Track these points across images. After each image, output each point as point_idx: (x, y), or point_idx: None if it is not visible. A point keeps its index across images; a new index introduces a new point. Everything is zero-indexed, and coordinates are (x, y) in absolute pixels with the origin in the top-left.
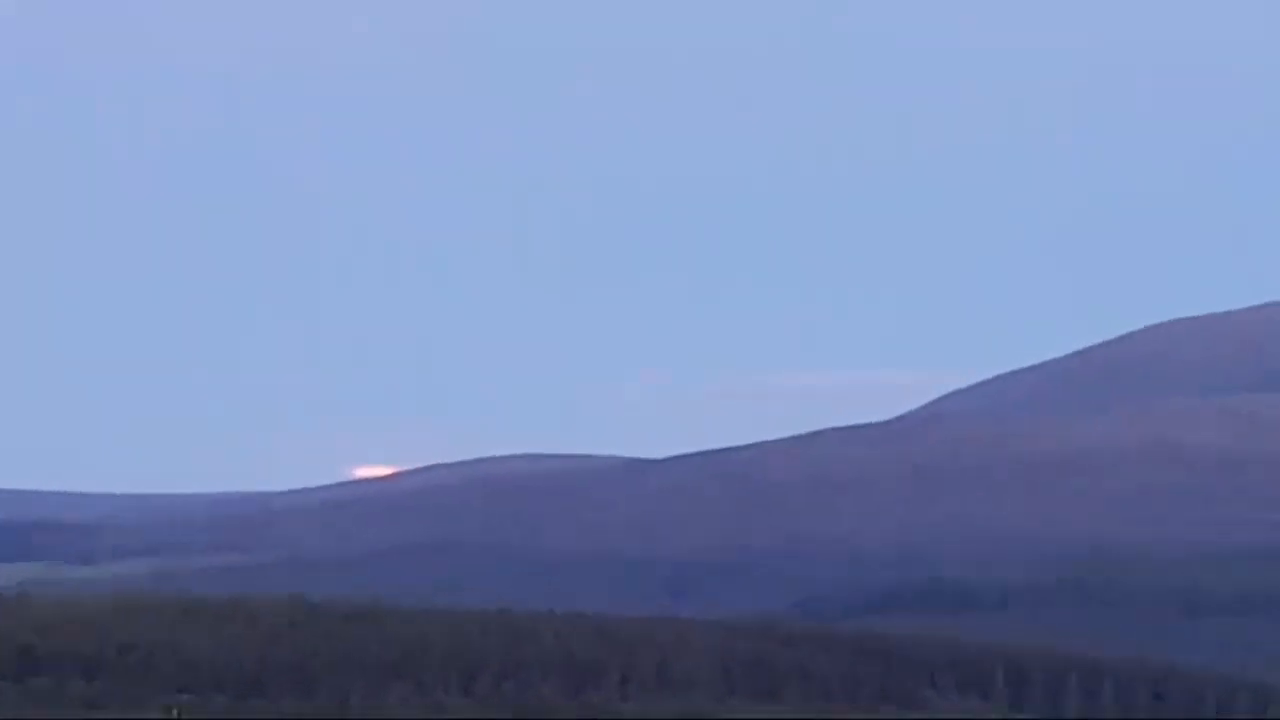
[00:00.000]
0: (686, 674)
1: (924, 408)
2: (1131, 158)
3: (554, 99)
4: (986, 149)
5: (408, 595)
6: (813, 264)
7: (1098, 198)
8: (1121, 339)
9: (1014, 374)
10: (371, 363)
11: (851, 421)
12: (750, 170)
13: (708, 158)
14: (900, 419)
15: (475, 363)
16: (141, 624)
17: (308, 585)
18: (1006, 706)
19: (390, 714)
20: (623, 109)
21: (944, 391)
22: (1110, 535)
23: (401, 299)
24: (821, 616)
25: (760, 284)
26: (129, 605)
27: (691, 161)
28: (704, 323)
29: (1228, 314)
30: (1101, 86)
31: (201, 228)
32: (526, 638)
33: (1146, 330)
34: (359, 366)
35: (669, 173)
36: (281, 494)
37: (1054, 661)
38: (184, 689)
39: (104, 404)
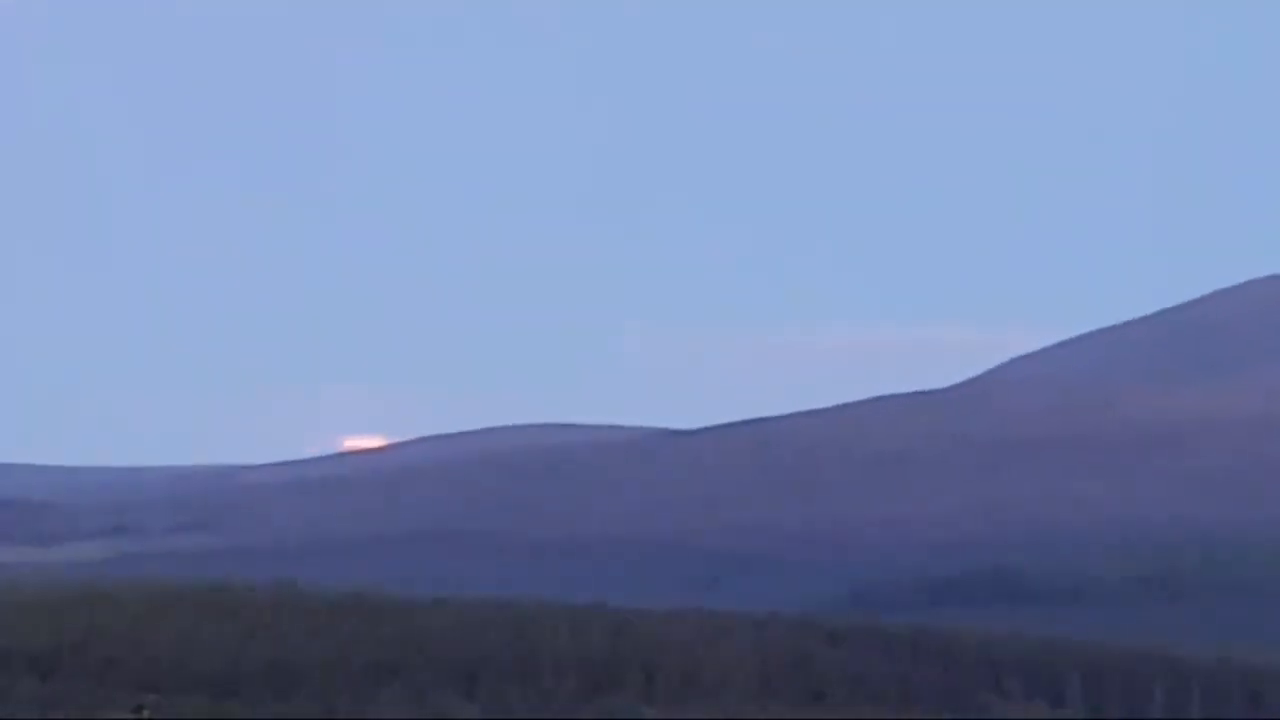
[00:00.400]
0: (718, 675)
1: (989, 373)
2: (1225, 91)
3: (551, 24)
4: (1062, 78)
5: (403, 584)
6: (861, 205)
7: (1187, 132)
8: (1215, 295)
9: (1092, 335)
10: (361, 319)
11: (906, 388)
12: (787, 94)
13: (734, 79)
14: (962, 386)
15: (478, 321)
16: (101, 615)
17: (289, 572)
18: (1082, 712)
19: (381, 718)
20: (635, 29)
21: (1012, 355)
22: (1200, 520)
23: (394, 247)
24: (871, 611)
25: (801, 227)
26: (87, 594)
27: (715, 83)
28: (736, 273)
29: None
30: (1195, 14)
31: (164, 178)
32: (536, 634)
33: (1243, 286)
34: (347, 323)
35: (689, 97)
36: (259, 468)
37: (1136, 662)
38: (150, 689)
39: (56, 366)
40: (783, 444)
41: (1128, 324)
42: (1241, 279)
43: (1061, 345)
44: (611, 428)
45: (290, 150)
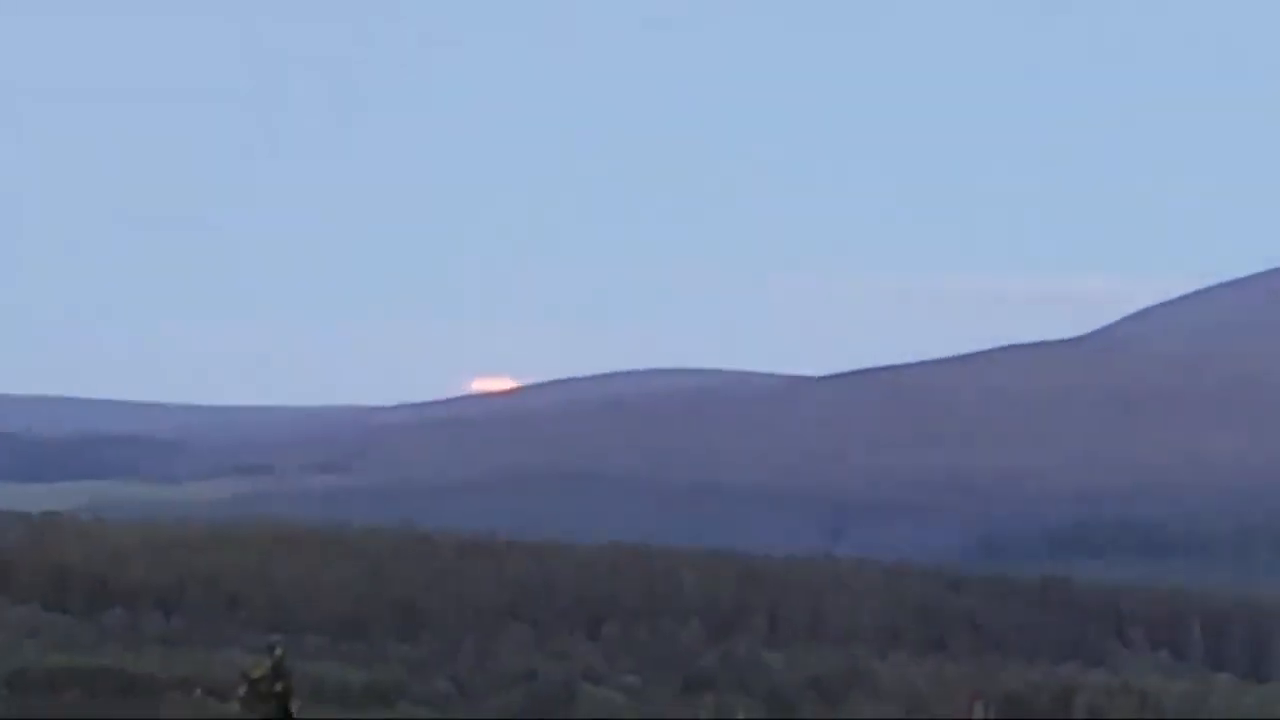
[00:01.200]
0: (844, 622)
1: (1119, 323)
2: None
3: None
4: (1193, 29)
5: (529, 527)
6: (992, 155)
7: None
8: None
9: (1223, 286)
10: (491, 261)
11: (1036, 338)
12: (914, 35)
13: (868, 36)
14: (1092, 336)
15: (609, 263)
16: (227, 554)
17: (416, 514)
18: (1204, 664)
19: (507, 660)
20: None
21: (1142, 305)
22: None
23: (526, 188)
24: (997, 560)
25: (935, 176)
26: (213, 532)
27: (835, 21)
28: (869, 217)
29: None
30: None
31: (293, 116)
32: (662, 578)
33: None
34: (477, 265)
35: (813, 38)
36: (387, 409)
37: (1259, 614)
38: (274, 628)
39: (187, 306)
40: (913, 392)
41: (1260, 275)
42: None
43: (1193, 296)
44: (742, 373)
45: (422, 97)
